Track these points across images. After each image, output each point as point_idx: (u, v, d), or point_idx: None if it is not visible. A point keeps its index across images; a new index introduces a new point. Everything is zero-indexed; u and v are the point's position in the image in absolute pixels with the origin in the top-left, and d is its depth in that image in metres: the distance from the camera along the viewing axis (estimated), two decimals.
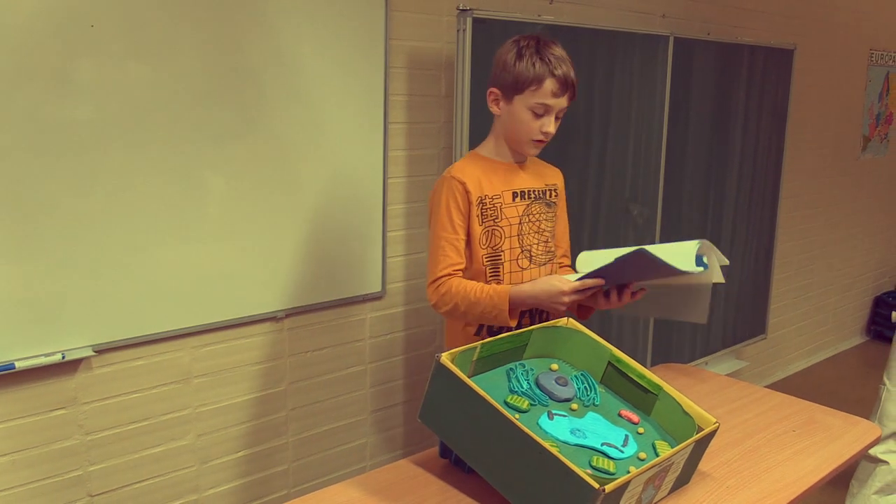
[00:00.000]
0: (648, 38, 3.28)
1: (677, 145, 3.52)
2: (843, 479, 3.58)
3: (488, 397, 1.42)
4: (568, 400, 1.63)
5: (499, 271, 1.95)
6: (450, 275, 1.90)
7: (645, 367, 1.76)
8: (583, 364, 1.74)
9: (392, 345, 2.96)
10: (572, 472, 1.31)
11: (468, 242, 1.95)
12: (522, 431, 1.37)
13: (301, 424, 2.76)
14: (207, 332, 2.46)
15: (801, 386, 4.93)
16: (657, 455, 1.53)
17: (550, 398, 1.62)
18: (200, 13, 2.25)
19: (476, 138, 2.71)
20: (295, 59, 2.46)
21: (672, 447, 1.55)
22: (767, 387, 2.02)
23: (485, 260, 1.95)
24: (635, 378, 1.68)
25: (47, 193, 2.07)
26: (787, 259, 4.88)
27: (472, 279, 1.93)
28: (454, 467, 1.61)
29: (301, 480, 2.80)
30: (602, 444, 1.51)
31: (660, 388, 1.64)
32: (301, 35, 2.46)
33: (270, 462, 2.71)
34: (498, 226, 1.96)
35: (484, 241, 1.95)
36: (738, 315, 4.11)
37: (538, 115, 1.90)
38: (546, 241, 2.04)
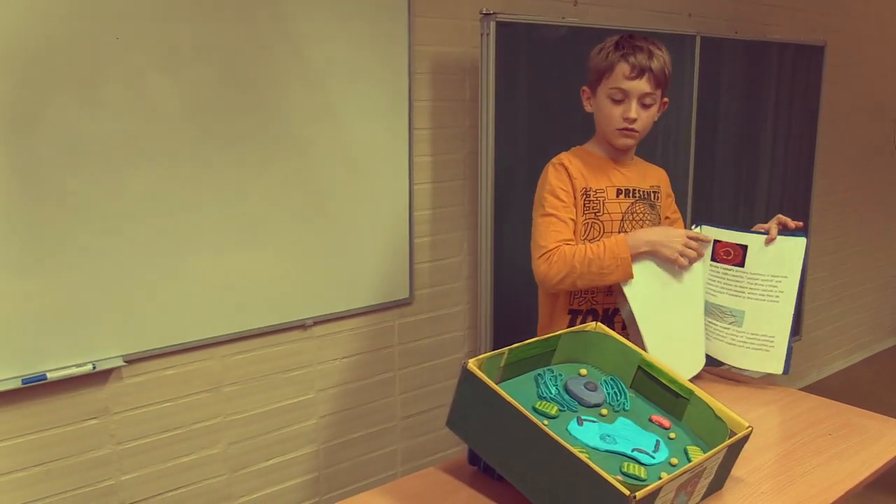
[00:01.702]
0: (675, 38, 3.25)
1: (706, 145, 3.49)
2: (880, 483, 3.51)
3: (516, 403, 1.41)
4: (597, 405, 1.60)
5: None
6: (558, 247, 1.91)
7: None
8: (612, 368, 1.72)
9: (421, 351, 2.96)
10: (602, 478, 1.29)
11: None
12: (551, 438, 1.35)
13: (331, 432, 2.76)
14: (237, 341, 2.47)
15: (838, 388, 4.85)
16: (689, 460, 1.50)
17: (580, 403, 1.59)
18: (224, 24, 2.26)
19: (502, 142, 2.71)
20: (319, 66, 2.46)
21: (704, 452, 1.52)
22: (803, 389, 1.99)
23: None
24: (666, 382, 1.65)
25: (77, 204, 2.09)
26: (821, 258, 4.81)
27: None
28: (483, 474, 1.59)
29: (332, 488, 2.80)
30: (633, 450, 1.49)
31: (691, 392, 1.61)
32: (325, 43, 2.47)
33: (301, 470, 2.71)
34: (599, 220, 1.98)
35: (583, 233, 1.98)
36: None
37: (617, 102, 1.94)
38: None
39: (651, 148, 3.23)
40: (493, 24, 2.62)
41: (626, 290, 1.91)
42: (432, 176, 2.85)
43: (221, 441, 2.50)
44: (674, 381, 1.64)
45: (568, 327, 2.05)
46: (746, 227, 2.04)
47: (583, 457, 1.32)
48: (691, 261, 1.96)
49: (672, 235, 1.93)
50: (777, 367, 2.01)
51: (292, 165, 2.46)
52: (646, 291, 1.93)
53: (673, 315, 1.97)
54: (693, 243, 1.94)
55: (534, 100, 2.79)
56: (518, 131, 2.77)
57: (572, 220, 1.96)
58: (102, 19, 2.07)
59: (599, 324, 1.74)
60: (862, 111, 4.91)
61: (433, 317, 2.97)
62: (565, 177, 1.97)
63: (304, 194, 2.50)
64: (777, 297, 2.01)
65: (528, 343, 1.64)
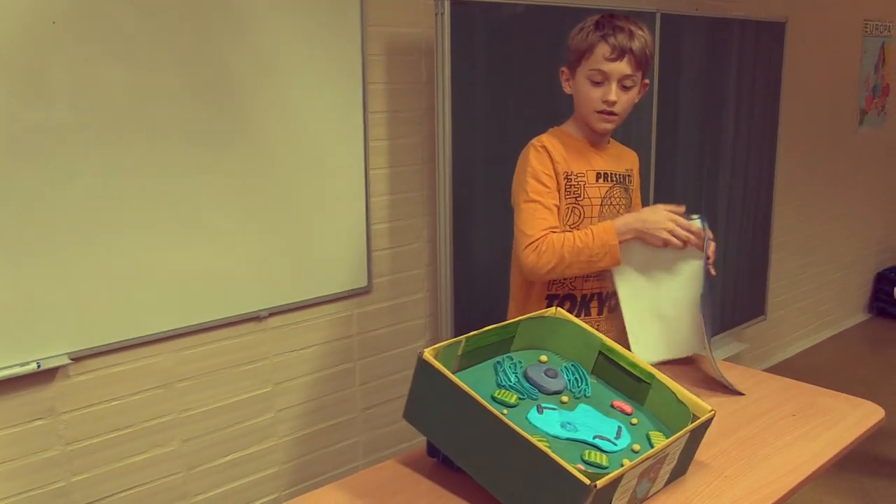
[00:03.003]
0: (634, 16, 3.23)
1: (668, 125, 3.49)
2: (845, 463, 3.56)
3: (473, 393, 1.39)
4: (558, 392, 1.60)
5: None
6: (545, 236, 1.91)
7: None
8: (573, 354, 1.71)
9: (381, 340, 2.94)
10: (562, 468, 1.28)
11: None
12: (509, 427, 1.34)
13: (290, 425, 2.73)
14: (189, 335, 2.43)
15: (804, 367, 4.91)
16: (652, 446, 1.50)
17: (540, 391, 1.58)
18: (169, 7, 2.21)
19: (460, 125, 2.68)
20: (270, 51, 2.42)
21: (667, 437, 1.52)
22: (769, 369, 2.00)
23: None
24: (627, 367, 1.64)
25: (19, 196, 2.03)
26: (786, 237, 4.85)
27: None
28: (442, 466, 1.58)
29: (292, 483, 2.77)
30: (594, 437, 1.48)
31: (652, 376, 1.61)
32: (275, 26, 2.42)
33: (259, 465, 2.68)
34: (579, 204, 1.99)
35: (564, 218, 1.98)
36: (736, 296, 4.08)
37: (597, 83, 1.93)
38: None
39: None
40: (447, 4, 2.59)
41: (616, 273, 1.94)
42: (389, 160, 2.82)
43: (175, 438, 2.46)
44: (635, 366, 1.64)
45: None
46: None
47: (542, 446, 1.31)
48: (681, 239, 1.93)
49: (655, 221, 1.92)
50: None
51: (244, 153, 2.42)
52: (634, 275, 1.96)
53: (661, 300, 1.97)
54: (680, 230, 1.92)
55: (492, 81, 2.77)
56: (476, 113, 2.75)
57: (556, 205, 1.96)
58: (35, 2, 2.01)
59: (559, 309, 1.73)
60: (824, 87, 4.95)
61: (393, 305, 2.95)
62: (547, 160, 1.96)
63: (256, 183, 2.46)
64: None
65: (487, 330, 1.62)
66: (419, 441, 1.60)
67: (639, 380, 1.63)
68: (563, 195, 1.98)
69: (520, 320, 1.68)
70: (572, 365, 1.69)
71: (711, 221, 3.77)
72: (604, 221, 1.95)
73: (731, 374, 2.04)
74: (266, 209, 2.50)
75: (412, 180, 2.90)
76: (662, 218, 1.92)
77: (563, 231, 1.95)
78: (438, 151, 2.71)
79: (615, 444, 1.49)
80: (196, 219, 2.36)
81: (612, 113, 1.95)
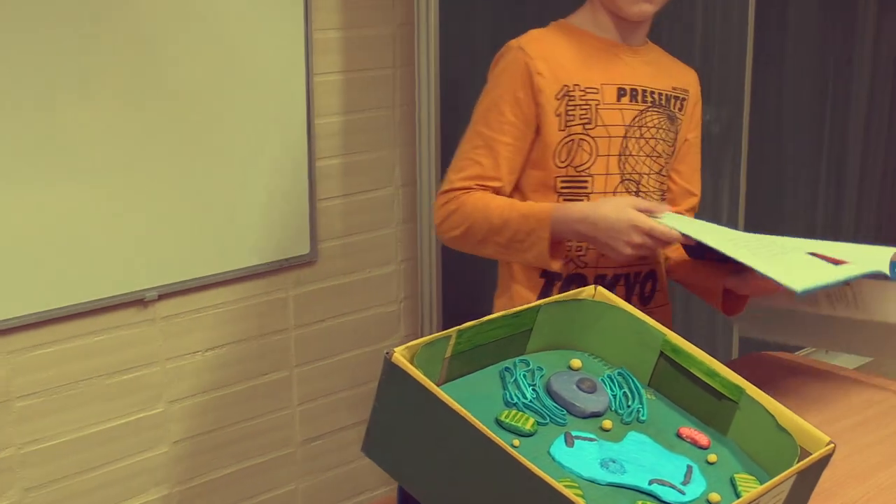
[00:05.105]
0: None
1: (770, 43, 3.49)
2: None
3: (467, 415, 1.41)
4: (597, 414, 1.61)
5: None
6: (469, 189, 1.96)
7: (723, 359, 1.74)
8: (621, 358, 1.72)
9: (331, 336, 2.96)
10: None
11: (539, 155, 2.00)
12: (523, 466, 1.35)
13: (191, 465, 2.75)
14: (34, 327, 2.45)
15: None
16: (738, 496, 1.52)
17: (570, 412, 1.60)
18: None
19: (450, 7, 2.68)
20: None
21: (761, 483, 1.53)
22: None
23: (560, 184, 1.99)
24: (703, 377, 1.66)
25: None
26: None
27: None
28: None
29: None
30: (650, 482, 1.50)
31: (741, 391, 1.62)
32: None
33: None
34: (589, 135, 1.99)
35: (563, 156, 2.00)
36: None
37: None
38: (660, 172, 2.07)
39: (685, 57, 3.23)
40: None
41: None
42: (344, 62, 2.83)
43: (14, 486, 2.48)
44: (715, 376, 1.65)
45: (540, 299, 2.04)
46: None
47: (571, 494, 1.32)
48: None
49: (622, 227, 1.85)
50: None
51: (121, 49, 2.43)
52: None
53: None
54: (650, 243, 1.87)
55: None
56: None
57: (510, 145, 1.99)
58: None
59: (600, 288, 1.74)
60: None
61: (349, 283, 2.97)
62: (522, 74, 1.98)
63: (138, 97, 2.47)
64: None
65: (490, 321, 1.63)
66: (388, 489, 1.63)
67: (720, 395, 1.65)
68: (563, 123, 1.99)
69: (539, 306, 1.69)
70: (619, 373, 1.70)
71: (840, 159, 3.80)
72: (546, 204, 1.96)
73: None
74: (156, 138, 2.51)
75: (379, 91, 2.91)
76: (625, 225, 1.85)
77: (559, 182, 2.00)
78: (419, 46, 2.71)
79: (682, 493, 1.50)
80: (49, 152, 2.37)
81: None
